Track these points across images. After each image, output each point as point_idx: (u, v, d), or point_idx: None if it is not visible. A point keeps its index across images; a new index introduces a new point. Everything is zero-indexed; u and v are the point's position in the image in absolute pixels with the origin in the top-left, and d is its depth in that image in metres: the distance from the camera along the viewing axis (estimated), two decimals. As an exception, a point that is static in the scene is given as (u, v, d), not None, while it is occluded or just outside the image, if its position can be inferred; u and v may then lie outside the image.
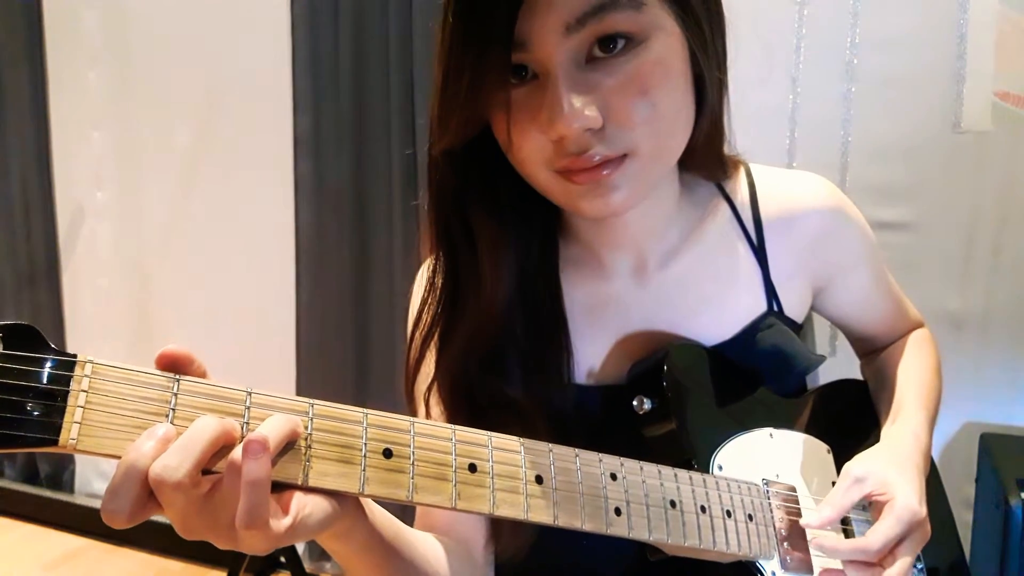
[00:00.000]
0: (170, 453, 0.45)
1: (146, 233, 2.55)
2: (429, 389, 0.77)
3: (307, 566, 2.28)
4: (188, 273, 2.50)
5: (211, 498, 0.47)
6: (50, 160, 2.64)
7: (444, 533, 0.77)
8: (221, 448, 0.47)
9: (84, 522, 2.65)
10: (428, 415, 0.78)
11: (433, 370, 0.77)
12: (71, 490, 2.76)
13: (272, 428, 0.48)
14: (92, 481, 2.73)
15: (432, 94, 0.68)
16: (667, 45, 0.64)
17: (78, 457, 2.74)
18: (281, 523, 0.48)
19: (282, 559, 2.20)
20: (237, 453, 0.46)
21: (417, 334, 0.77)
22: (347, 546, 0.59)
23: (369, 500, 0.59)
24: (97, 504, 2.66)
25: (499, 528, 0.78)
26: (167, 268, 2.54)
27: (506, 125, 0.65)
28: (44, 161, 2.63)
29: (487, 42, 0.61)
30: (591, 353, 0.80)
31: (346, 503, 0.53)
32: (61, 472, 2.77)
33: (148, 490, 0.45)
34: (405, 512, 0.68)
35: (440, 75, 0.65)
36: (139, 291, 2.59)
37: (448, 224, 0.73)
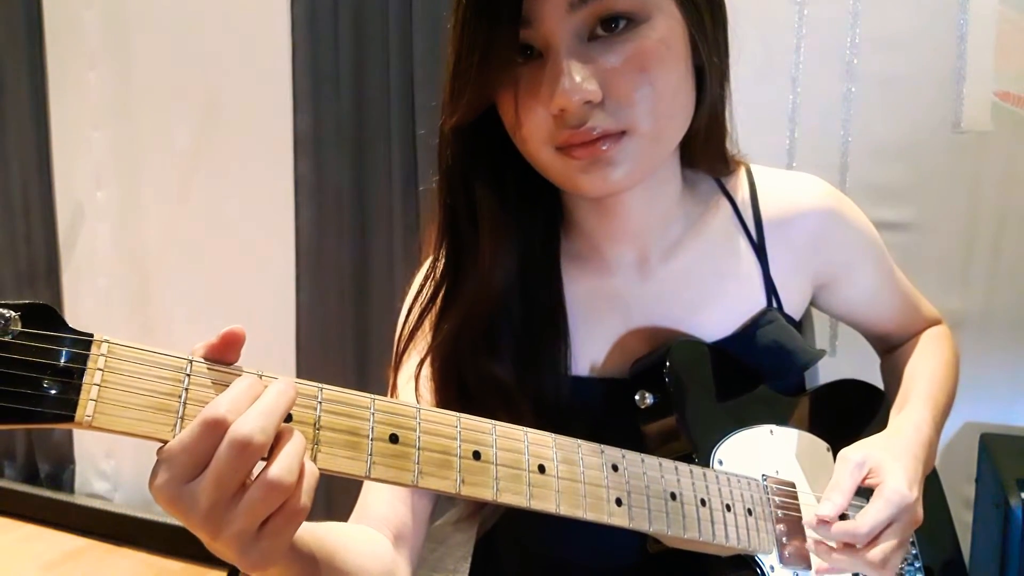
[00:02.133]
0: (255, 417, 0.46)
1: (146, 233, 2.55)
2: (420, 364, 0.78)
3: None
4: (188, 273, 2.50)
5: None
6: (50, 160, 2.64)
7: (384, 522, 0.76)
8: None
9: (84, 522, 2.64)
10: (417, 390, 0.78)
11: (426, 346, 0.78)
12: (71, 490, 2.75)
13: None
14: (92, 481, 2.72)
15: (445, 73, 0.70)
16: (668, 27, 0.67)
17: (78, 457, 2.74)
18: None
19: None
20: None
21: (416, 305, 0.79)
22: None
23: None
24: (97, 504, 2.67)
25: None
26: (167, 268, 2.54)
27: (513, 103, 0.68)
28: (44, 161, 2.63)
29: (496, 19, 0.64)
30: (593, 346, 0.81)
31: None
32: (61, 472, 2.76)
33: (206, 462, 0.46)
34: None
35: (452, 54, 0.68)
36: (139, 291, 2.58)
37: (454, 202, 0.75)
